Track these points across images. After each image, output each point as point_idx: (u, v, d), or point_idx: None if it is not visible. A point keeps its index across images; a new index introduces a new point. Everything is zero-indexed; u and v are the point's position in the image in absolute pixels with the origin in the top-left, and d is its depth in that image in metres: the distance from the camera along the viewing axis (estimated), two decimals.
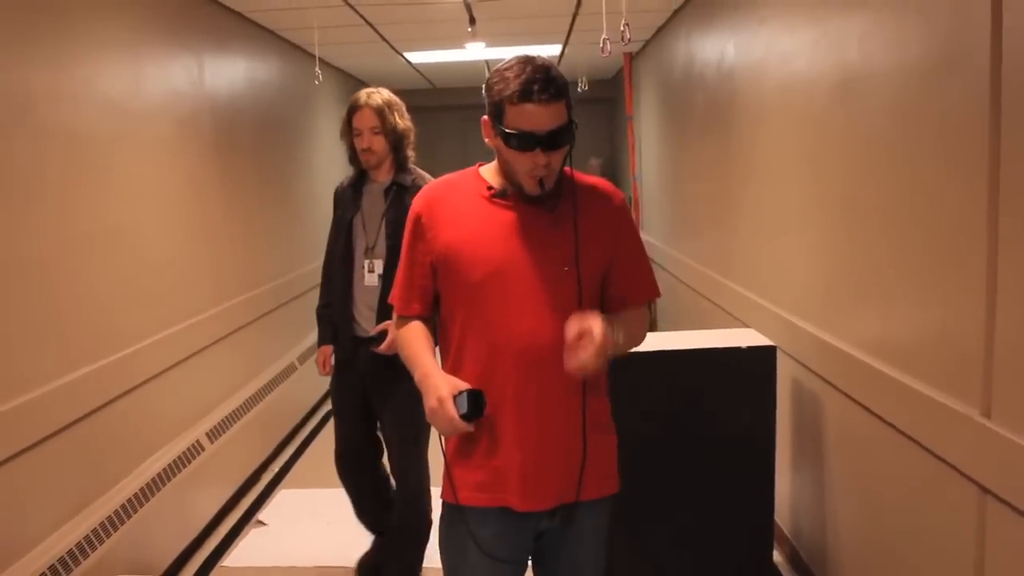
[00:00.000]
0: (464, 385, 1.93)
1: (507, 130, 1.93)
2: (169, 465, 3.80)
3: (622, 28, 3.62)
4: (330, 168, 7.01)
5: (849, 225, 2.91)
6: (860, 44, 2.75)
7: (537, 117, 1.90)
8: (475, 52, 6.99)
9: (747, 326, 4.06)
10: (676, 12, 5.74)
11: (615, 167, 10.66)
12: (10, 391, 2.77)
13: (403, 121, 3.34)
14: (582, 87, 5.76)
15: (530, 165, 1.93)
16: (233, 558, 3.97)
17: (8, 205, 2.82)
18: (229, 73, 5.01)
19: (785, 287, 3.68)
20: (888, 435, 2.63)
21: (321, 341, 3.51)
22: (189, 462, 3.98)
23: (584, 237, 2.00)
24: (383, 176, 3.36)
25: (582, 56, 7.60)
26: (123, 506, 3.36)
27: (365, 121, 3.27)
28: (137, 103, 3.77)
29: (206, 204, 4.48)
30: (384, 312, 3.20)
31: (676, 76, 6.04)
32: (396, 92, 3.42)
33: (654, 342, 3.57)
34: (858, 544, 2.99)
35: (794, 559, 3.65)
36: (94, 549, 3.09)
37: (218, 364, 3.94)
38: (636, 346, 2.14)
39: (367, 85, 3.64)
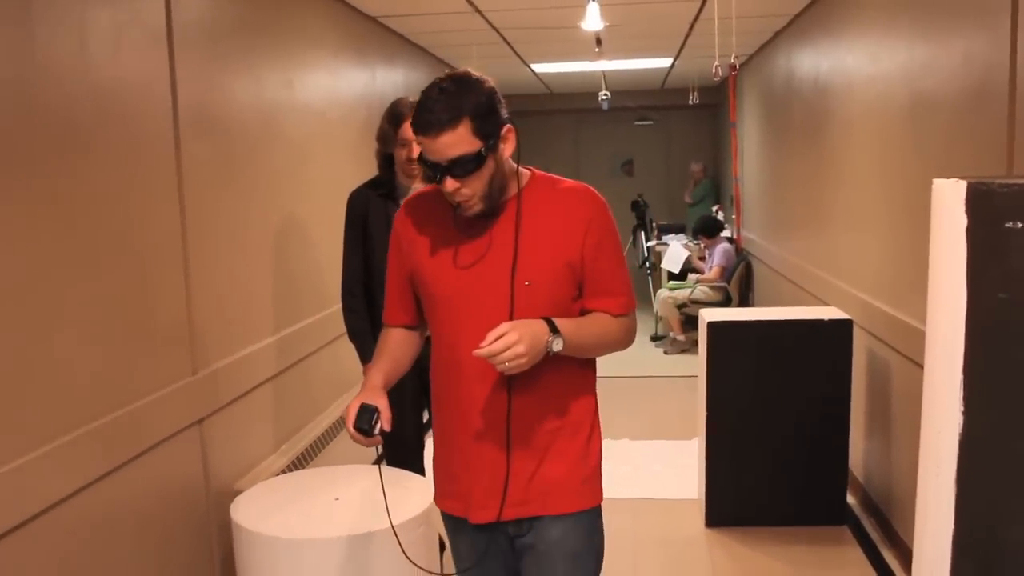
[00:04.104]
0: (372, 400, 1.96)
1: (420, 156, 1.92)
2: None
3: (732, 60, 4.36)
4: None
5: (911, 222, 3.62)
6: (924, 76, 3.47)
7: (430, 148, 1.85)
8: (595, 64, 7.81)
9: (829, 305, 4.78)
10: (778, 32, 6.44)
11: (718, 170, 11.34)
12: (255, 336, 3.69)
13: None
14: (693, 100, 6.46)
15: (446, 190, 1.88)
16: None
17: (261, 197, 3.74)
18: (393, 84, 5.94)
19: (862, 272, 4.39)
20: None
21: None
22: None
23: (529, 249, 1.94)
24: (420, 184, 3.27)
25: (692, 67, 8.33)
26: (310, 446, 4.25)
27: None
28: (333, 112, 4.69)
29: None
30: None
31: (777, 89, 6.75)
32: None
33: (751, 314, 4.36)
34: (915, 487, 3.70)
35: (866, 501, 4.36)
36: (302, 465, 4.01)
37: None
38: (603, 351, 2.05)
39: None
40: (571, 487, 2.03)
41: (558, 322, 1.89)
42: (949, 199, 1.04)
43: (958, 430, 1.05)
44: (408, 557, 2.21)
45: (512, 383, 1.96)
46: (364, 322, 3.35)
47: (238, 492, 3.13)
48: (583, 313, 2.02)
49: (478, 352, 1.80)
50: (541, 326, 1.86)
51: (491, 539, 2.07)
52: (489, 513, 2.02)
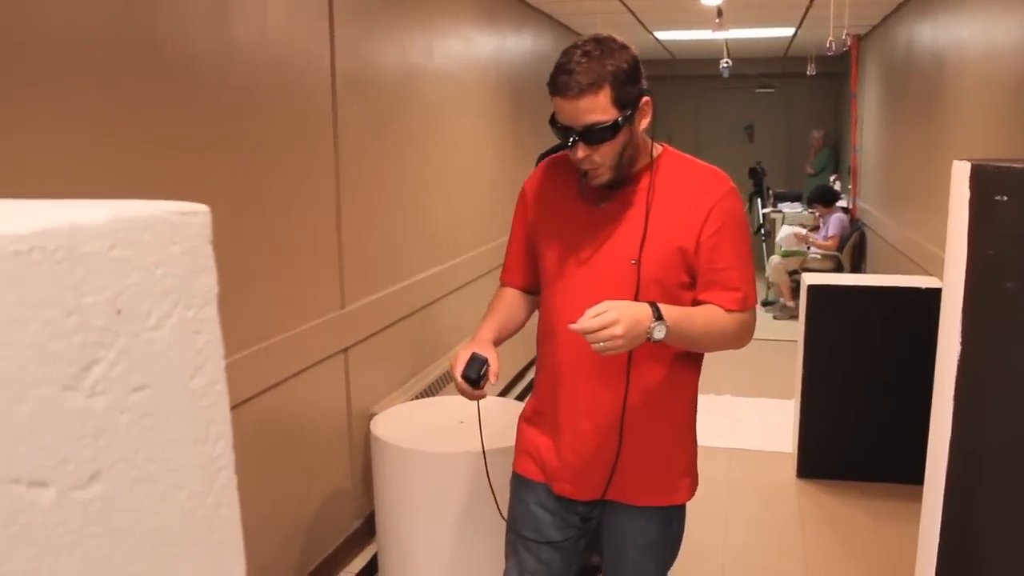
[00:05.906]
0: (483, 351, 1.96)
1: (551, 120, 1.85)
2: None
3: (844, 37, 4.54)
4: None
5: None
6: None
7: (565, 111, 1.80)
8: (717, 33, 7.97)
9: (932, 276, 4.95)
10: (901, 5, 6.51)
11: (838, 139, 11.31)
12: (393, 280, 4.13)
13: None
14: (810, 71, 6.58)
15: (575, 156, 1.84)
16: None
17: (401, 154, 4.16)
18: (521, 50, 6.30)
19: None
20: None
21: None
22: None
23: (654, 230, 1.87)
24: None
25: (814, 37, 8.40)
26: (435, 381, 4.69)
27: None
28: (467, 76, 5.08)
29: (503, 154, 5.78)
30: None
31: (897, 61, 6.81)
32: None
33: (850, 280, 4.58)
34: None
35: None
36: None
37: None
38: (710, 346, 1.95)
39: None
40: (650, 483, 1.99)
41: (664, 309, 1.76)
42: (959, 176, 1.35)
43: (957, 354, 1.36)
44: (489, 481, 2.27)
45: (631, 368, 1.90)
46: None
47: (373, 414, 3.58)
48: (695, 304, 1.91)
49: (573, 327, 1.70)
50: (644, 310, 1.73)
51: (565, 514, 2.06)
52: (568, 487, 2.02)
